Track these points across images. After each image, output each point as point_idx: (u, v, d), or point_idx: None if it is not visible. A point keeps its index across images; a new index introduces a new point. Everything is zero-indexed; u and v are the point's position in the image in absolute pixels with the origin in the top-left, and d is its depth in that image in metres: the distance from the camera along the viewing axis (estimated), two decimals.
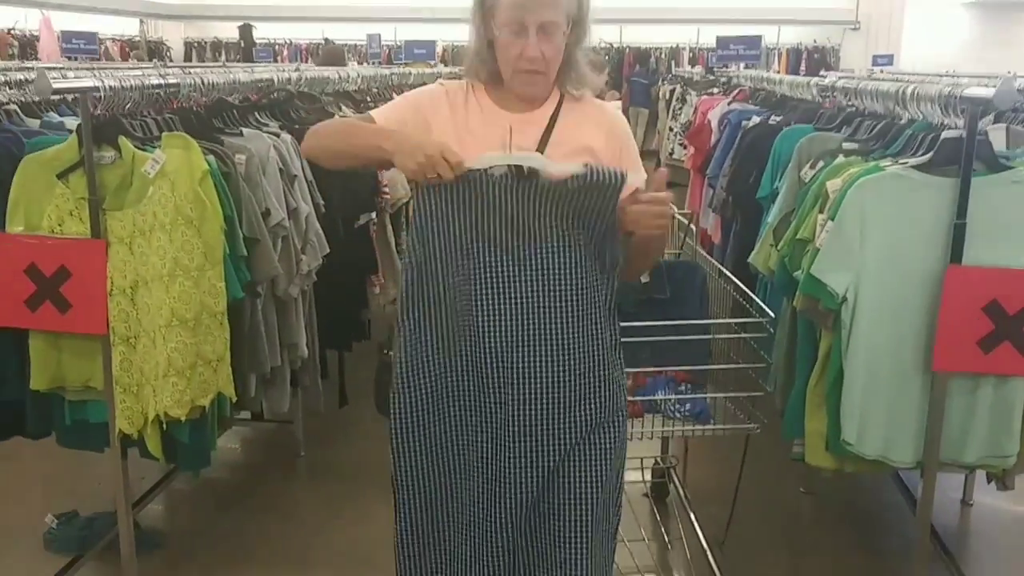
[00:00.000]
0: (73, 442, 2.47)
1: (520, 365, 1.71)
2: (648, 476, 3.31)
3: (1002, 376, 2.05)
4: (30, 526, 3.05)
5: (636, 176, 1.80)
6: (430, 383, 1.80)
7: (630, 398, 2.42)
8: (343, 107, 4.04)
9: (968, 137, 1.94)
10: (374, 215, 3.71)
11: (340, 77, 4.34)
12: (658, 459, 3.29)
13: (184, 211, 2.21)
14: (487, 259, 1.69)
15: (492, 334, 1.71)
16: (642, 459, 3.23)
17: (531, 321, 1.70)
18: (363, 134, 1.75)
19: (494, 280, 1.70)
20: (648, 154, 10.75)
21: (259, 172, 2.59)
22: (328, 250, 3.00)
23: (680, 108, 8.34)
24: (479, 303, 1.70)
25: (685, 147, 6.81)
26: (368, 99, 4.52)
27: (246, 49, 12.46)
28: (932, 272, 2.00)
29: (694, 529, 2.89)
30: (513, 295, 1.70)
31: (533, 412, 1.73)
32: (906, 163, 2.05)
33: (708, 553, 2.72)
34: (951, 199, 1.96)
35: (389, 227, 3.99)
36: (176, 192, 2.20)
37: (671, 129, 8.66)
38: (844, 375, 2.09)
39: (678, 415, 2.50)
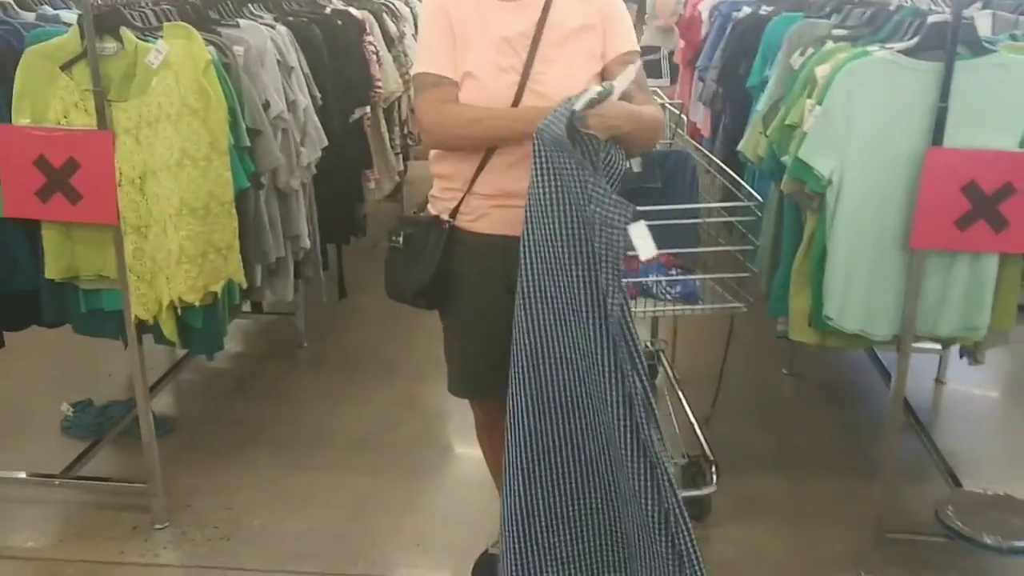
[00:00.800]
0: (88, 329, 2.56)
1: None
2: None
3: (976, 253, 2.15)
4: (47, 414, 3.19)
5: (628, 44, 1.96)
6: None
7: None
8: None
9: (953, 21, 1.99)
10: (368, 109, 3.74)
11: None
12: (648, 342, 3.43)
13: (189, 102, 2.25)
14: None
15: None
16: None
17: None
18: (498, 124, 1.91)
19: None
20: (645, 50, 10.63)
21: (258, 64, 2.62)
22: (327, 142, 3.05)
23: None
24: None
25: (679, 45, 6.77)
26: None
27: None
28: (914, 154, 2.08)
29: (683, 407, 3.04)
30: None
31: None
32: (893, 48, 2.11)
33: (696, 427, 2.88)
34: (935, 83, 2.02)
35: (383, 121, 4.02)
36: (180, 83, 2.24)
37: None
38: (827, 254, 2.20)
39: (668, 297, 2.61)
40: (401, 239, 2.08)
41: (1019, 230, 2.09)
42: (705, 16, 4.74)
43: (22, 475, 2.74)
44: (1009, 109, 2.07)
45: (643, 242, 1.64)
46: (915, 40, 2.09)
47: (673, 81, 6.52)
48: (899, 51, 2.09)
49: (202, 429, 3.22)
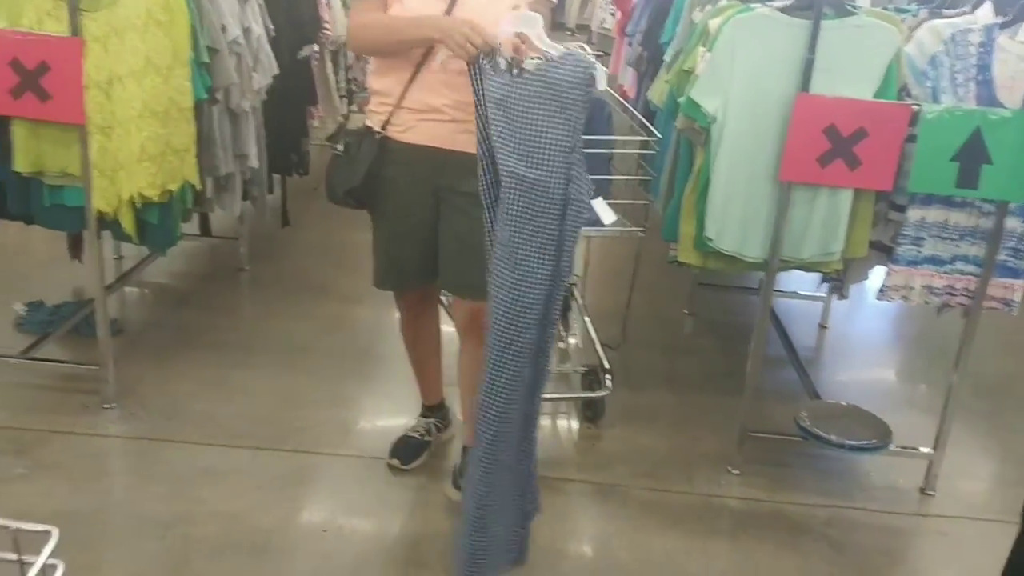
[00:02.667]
0: (51, 222, 2.80)
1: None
2: None
3: (834, 188, 2.54)
4: (2, 313, 3.41)
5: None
6: None
7: None
8: None
9: None
10: (316, 48, 4.00)
11: None
12: None
13: (155, 14, 2.51)
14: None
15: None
16: None
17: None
18: (406, 29, 2.14)
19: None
20: (581, 28, 10.99)
21: None
22: (277, 71, 3.32)
23: None
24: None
25: (615, 15, 7.11)
26: None
27: None
28: (785, 98, 2.44)
29: (588, 332, 3.40)
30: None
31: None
32: (772, 5, 2.47)
33: (596, 344, 3.24)
34: (804, 37, 2.39)
35: (329, 63, 4.29)
36: None
37: None
38: (710, 183, 2.56)
39: None
40: (341, 147, 2.38)
41: (870, 169, 2.48)
42: None
43: None
44: (865, 64, 2.45)
45: (604, 212, 1.96)
46: (791, 0, 2.45)
47: None
48: (777, 8, 2.46)
49: (147, 332, 3.48)
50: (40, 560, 0.80)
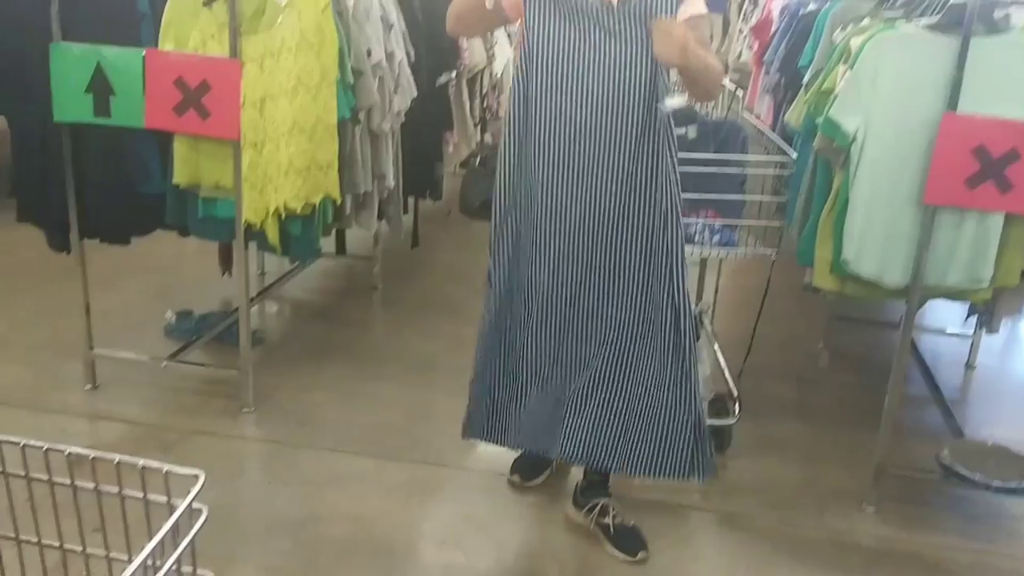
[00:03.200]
0: (203, 232, 2.98)
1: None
2: None
3: (983, 212, 2.42)
4: (154, 320, 3.64)
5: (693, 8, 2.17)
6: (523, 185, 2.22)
7: None
8: None
9: (971, 2, 2.27)
10: (453, 75, 4.13)
11: None
12: (692, 305, 3.72)
13: (308, 37, 2.65)
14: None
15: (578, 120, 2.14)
16: None
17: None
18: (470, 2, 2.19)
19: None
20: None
21: (364, 16, 3.02)
22: (416, 94, 3.44)
23: (752, 10, 8.45)
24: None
25: (752, 48, 7.03)
26: None
27: None
28: (931, 118, 2.35)
29: (717, 359, 3.33)
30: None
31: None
32: (918, 23, 2.40)
33: (725, 371, 3.17)
34: (952, 55, 2.30)
35: (465, 90, 4.41)
36: (302, 20, 2.64)
37: (740, 31, 8.79)
38: (848, 204, 2.48)
39: (708, 244, 2.92)
40: (478, 161, 2.44)
41: (1023, 192, 2.35)
42: (776, 15, 5.00)
43: (139, 356, 3.17)
44: (1018, 82, 2.34)
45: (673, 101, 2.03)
46: (938, 17, 2.37)
47: None
48: (923, 26, 2.38)
49: (285, 342, 3.63)
50: (187, 500, 0.85)
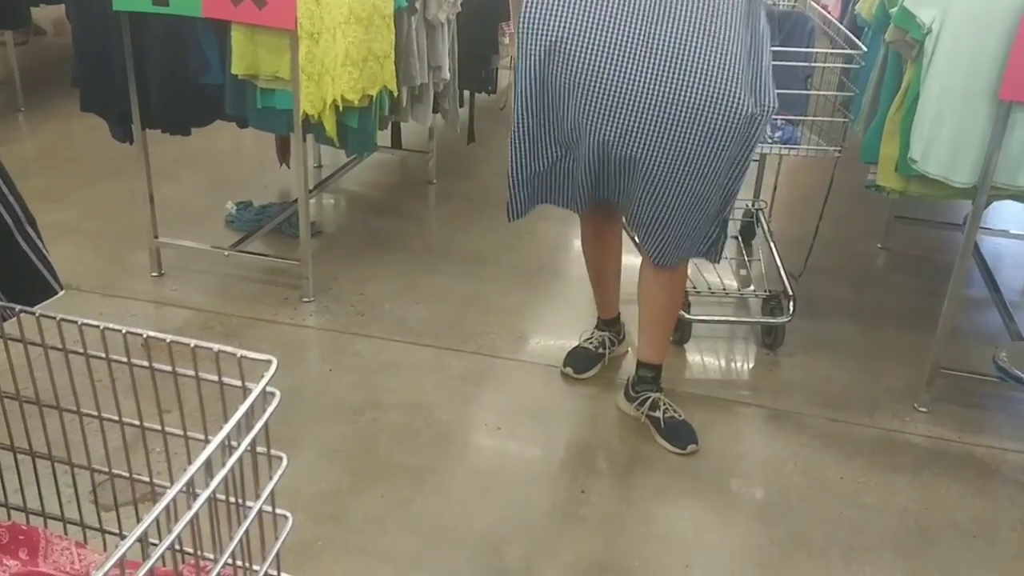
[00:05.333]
0: (262, 124, 2.99)
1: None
2: (739, 216, 3.71)
3: None
4: (215, 211, 3.71)
5: None
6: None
7: None
8: None
9: None
10: None
11: None
12: (748, 202, 3.68)
13: None
14: None
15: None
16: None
17: None
18: None
19: None
20: None
21: None
22: None
23: None
24: None
25: None
26: None
27: None
28: (1013, 7, 2.24)
29: (773, 258, 3.30)
30: None
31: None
32: None
33: (781, 269, 3.15)
34: None
35: None
36: None
37: None
38: (919, 99, 2.40)
39: (769, 141, 2.86)
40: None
41: None
42: None
43: (202, 245, 3.26)
44: None
45: None
46: None
47: None
48: None
49: (342, 235, 3.69)
50: (261, 384, 0.89)
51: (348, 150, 3.12)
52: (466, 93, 4.15)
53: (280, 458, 0.97)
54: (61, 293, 1.21)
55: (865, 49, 2.61)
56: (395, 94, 2.90)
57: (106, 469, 1.18)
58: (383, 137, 4.00)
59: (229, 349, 0.95)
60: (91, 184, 3.96)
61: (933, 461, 2.48)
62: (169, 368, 1.02)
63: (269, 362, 0.90)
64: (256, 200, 3.76)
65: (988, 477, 2.42)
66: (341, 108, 2.78)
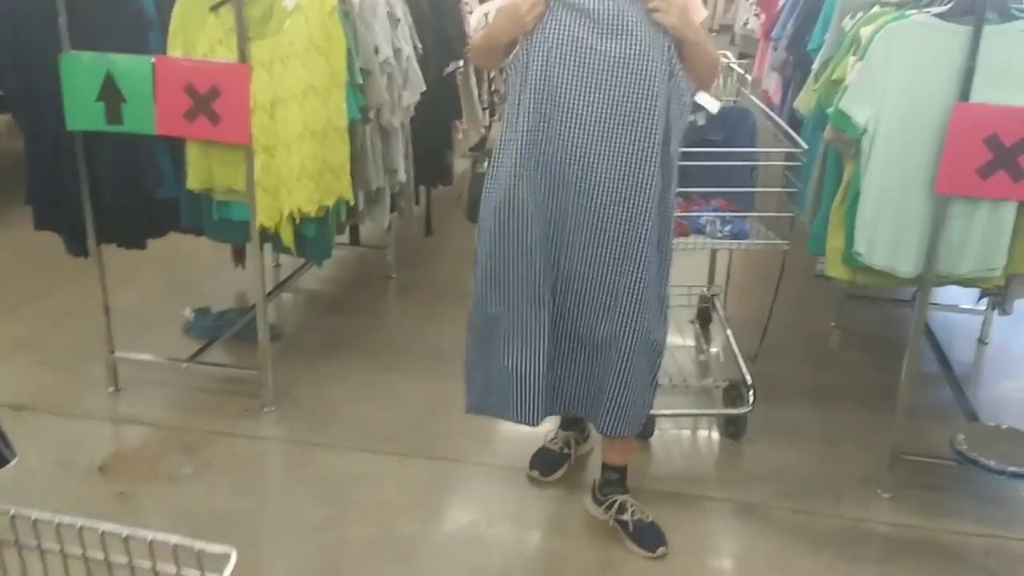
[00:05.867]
0: (218, 235, 3.00)
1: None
2: (694, 303, 3.77)
3: (996, 200, 2.41)
4: (172, 317, 3.68)
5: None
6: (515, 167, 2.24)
7: (679, 216, 2.86)
8: None
9: None
10: (461, 64, 4.11)
11: None
12: (704, 289, 3.74)
13: (316, 41, 2.65)
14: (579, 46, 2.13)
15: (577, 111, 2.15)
16: (689, 288, 3.69)
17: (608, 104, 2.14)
18: (491, 35, 2.27)
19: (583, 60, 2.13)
20: (724, 28, 10.79)
21: (371, 13, 3.01)
22: (424, 88, 3.43)
23: None
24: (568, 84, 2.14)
25: (759, 16, 6.96)
26: None
27: None
28: (942, 108, 2.34)
29: (730, 344, 3.35)
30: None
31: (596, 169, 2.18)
32: (929, 12, 2.38)
33: (738, 357, 3.19)
34: (965, 44, 2.28)
35: (473, 77, 4.39)
36: (309, 24, 2.64)
37: None
38: (860, 195, 2.48)
39: (719, 235, 2.93)
40: (487, 163, 2.44)
41: None
42: None
43: (159, 359, 3.22)
44: None
45: (708, 101, 2.04)
46: (949, 5, 2.35)
47: None
48: (935, 15, 2.36)
49: (302, 336, 3.67)
50: None
51: (306, 257, 3.13)
52: (422, 188, 4.20)
53: None
54: (14, 461, 1.19)
55: (805, 147, 2.70)
56: (351, 204, 2.93)
57: None
58: (341, 234, 4.02)
59: (186, 542, 0.94)
60: (45, 294, 3.91)
61: (899, 550, 2.49)
62: (125, 560, 1.00)
63: (227, 556, 0.89)
64: (214, 305, 3.74)
65: (954, 564, 2.44)
66: (298, 220, 2.80)
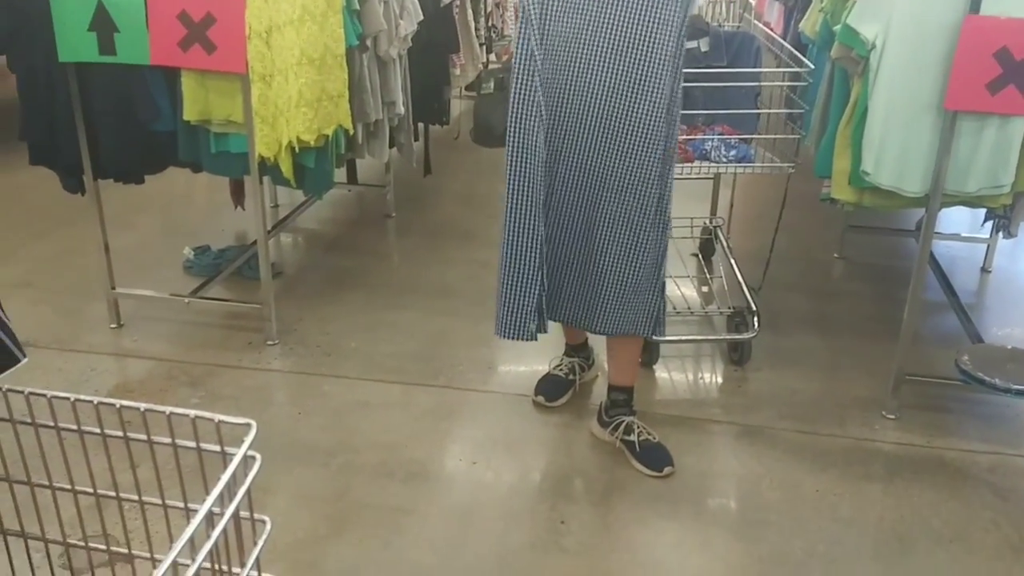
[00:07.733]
0: (217, 168, 2.96)
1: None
2: (697, 234, 3.75)
3: (1005, 116, 2.38)
4: (172, 257, 3.66)
5: None
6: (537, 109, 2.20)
7: (683, 140, 2.83)
8: None
9: None
10: None
11: None
12: (706, 220, 3.72)
13: None
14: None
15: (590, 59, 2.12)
16: (692, 220, 3.67)
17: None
18: None
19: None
20: None
21: None
22: (422, 17, 3.37)
23: None
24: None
25: None
26: None
27: None
28: (952, 21, 2.30)
29: (734, 273, 3.34)
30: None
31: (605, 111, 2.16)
32: None
33: (743, 285, 3.18)
34: None
35: (470, 11, 4.32)
36: None
37: None
38: (867, 114, 2.45)
39: (724, 160, 2.90)
40: (492, 84, 2.40)
41: None
42: None
43: (161, 294, 3.21)
44: None
45: None
46: None
47: None
48: None
49: (303, 274, 3.66)
50: (242, 450, 0.87)
51: (306, 190, 3.11)
52: (420, 125, 4.15)
53: (264, 522, 0.95)
54: (24, 361, 1.18)
55: (812, 66, 2.66)
56: (351, 132, 2.88)
57: (82, 542, 1.15)
58: (339, 173, 3.99)
59: (207, 415, 0.94)
60: (43, 236, 3.88)
61: (904, 468, 2.51)
62: (144, 436, 1.00)
63: (248, 426, 0.89)
64: (213, 244, 3.72)
65: (959, 480, 2.46)
66: (297, 149, 2.76)
